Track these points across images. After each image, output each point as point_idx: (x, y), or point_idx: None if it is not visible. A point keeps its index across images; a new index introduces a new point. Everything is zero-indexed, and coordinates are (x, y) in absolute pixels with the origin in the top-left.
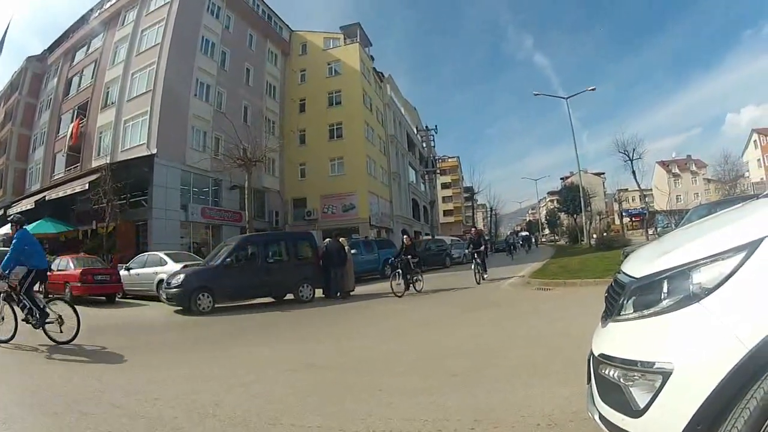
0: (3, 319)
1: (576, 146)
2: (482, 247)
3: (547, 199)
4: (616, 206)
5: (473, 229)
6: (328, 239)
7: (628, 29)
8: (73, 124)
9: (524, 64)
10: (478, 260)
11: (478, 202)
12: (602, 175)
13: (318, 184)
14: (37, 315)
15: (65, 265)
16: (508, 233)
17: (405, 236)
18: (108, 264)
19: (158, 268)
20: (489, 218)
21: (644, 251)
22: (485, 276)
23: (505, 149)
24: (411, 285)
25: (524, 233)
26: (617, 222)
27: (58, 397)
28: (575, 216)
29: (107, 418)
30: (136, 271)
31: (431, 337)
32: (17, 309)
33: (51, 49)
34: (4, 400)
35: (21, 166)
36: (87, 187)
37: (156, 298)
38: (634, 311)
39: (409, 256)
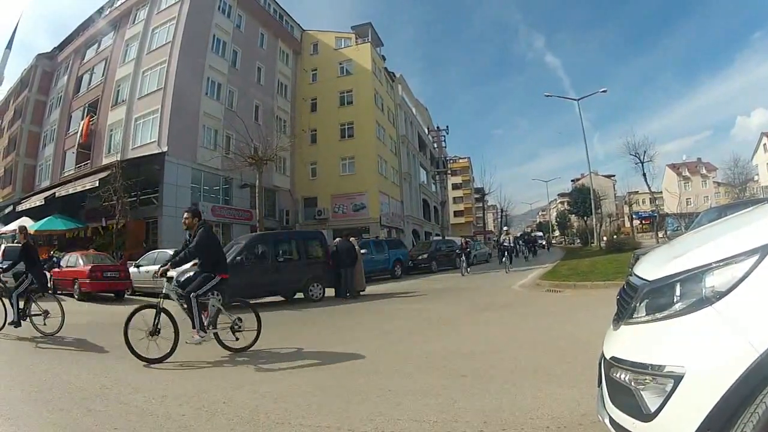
0: None
1: (587, 148)
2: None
3: (558, 201)
4: (626, 209)
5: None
6: (338, 239)
7: (638, 31)
8: (83, 122)
9: (535, 65)
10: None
11: (488, 203)
12: (613, 178)
13: (329, 183)
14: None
15: (74, 261)
16: (504, 235)
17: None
18: (117, 261)
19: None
20: (500, 219)
21: (656, 254)
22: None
23: (515, 150)
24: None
25: (537, 233)
26: (627, 224)
27: (64, 394)
28: (586, 218)
29: (114, 415)
30: (146, 269)
31: (440, 337)
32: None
33: (61, 46)
34: (10, 396)
35: (30, 162)
36: (97, 185)
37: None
38: (646, 314)
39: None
